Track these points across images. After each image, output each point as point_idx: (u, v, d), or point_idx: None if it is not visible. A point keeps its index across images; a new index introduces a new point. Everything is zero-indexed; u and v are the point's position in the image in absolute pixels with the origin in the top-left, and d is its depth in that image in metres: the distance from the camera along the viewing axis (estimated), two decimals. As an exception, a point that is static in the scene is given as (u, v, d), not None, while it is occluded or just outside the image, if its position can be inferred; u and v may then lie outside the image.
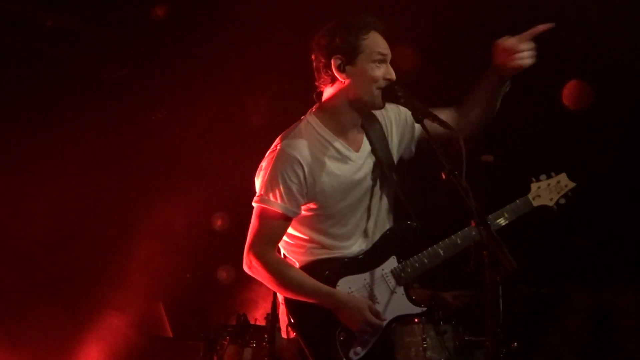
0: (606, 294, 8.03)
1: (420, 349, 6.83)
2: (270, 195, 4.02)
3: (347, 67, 4.07)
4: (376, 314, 4.03)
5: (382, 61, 4.09)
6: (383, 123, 4.34)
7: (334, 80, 4.13)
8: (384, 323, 4.08)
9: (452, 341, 6.95)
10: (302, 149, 4.07)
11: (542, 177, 4.58)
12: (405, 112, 4.31)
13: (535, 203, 4.49)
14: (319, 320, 4.01)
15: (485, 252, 3.39)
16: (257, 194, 4.10)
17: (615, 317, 8.01)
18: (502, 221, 4.34)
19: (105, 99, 7.90)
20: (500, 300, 4.03)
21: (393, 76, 4.10)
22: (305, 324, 4.03)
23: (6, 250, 7.32)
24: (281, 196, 4.01)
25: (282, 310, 4.19)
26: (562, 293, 8.01)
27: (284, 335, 4.17)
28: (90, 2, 7.14)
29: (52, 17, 7.23)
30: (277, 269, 4.06)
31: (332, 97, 4.17)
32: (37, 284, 7.49)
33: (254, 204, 4.10)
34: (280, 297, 4.21)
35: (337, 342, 3.96)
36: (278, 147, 4.09)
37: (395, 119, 4.36)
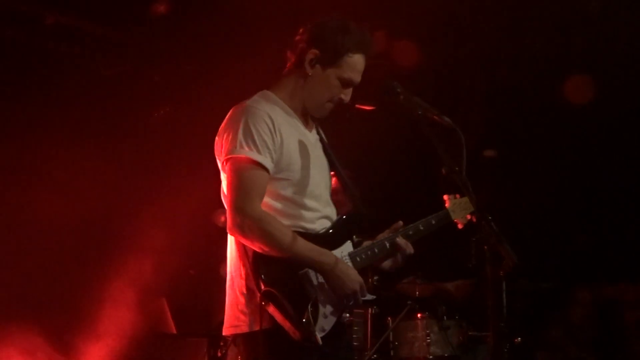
0: (609, 288, 8.04)
1: (424, 344, 6.87)
2: (245, 146, 3.83)
3: (317, 66, 4.03)
4: (362, 289, 3.91)
5: (348, 85, 4.08)
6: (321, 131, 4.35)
7: (299, 65, 4.08)
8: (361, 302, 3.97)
9: (456, 336, 6.99)
10: (268, 108, 3.97)
11: (452, 196, 4.52)
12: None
13: (452, 217, 4.43)
14: (293, 286, 3.78)
15: (485, 247, 3.39)
16: (227, 150, 3.89)
17: (619, 311, 8.02)
18: (415, 233, 4.26)
19: (107, 95, 7.88)
20: (504, 295, 4.03)
21: (346, 100, 4.10)
22: (280, 288, 3.71)
23: (9, 245, 7.29)
24: (256, 146, 3.83)
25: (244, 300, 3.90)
26: (565, 288, 8.02)
27: (246, 328, 3.84)
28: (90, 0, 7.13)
29: (53, 14, 7.20)
30: (272, 222, 3.82)
31: (291, 80, 4.13)
32: (39, 281, 7.46)
33: (227, 158, 3.89)
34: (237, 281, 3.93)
35: (308, 312, 3.76)
36: (244, 105, 3.98)
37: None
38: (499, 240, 3.33)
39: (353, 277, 3.88)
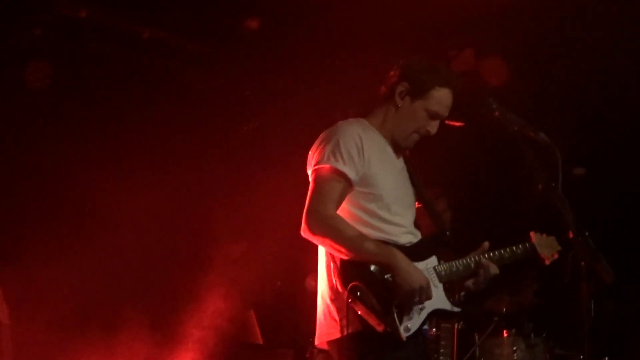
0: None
1: (511, 361, 6.83)
2: (332, 157, 4.06)
3: (406, 98, 4.29)
4: (428, 291, 4.00)
5: (435, 117, 4.32)
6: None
7: (390, 97, 4.33)
8: (429, 305, 4.08)
9: (542, 354, 6.93)
10: (359, 129, 4.21)
11: (539, 233, 4.69)
12: None
13: (539, 251, 4.61)
14: (377, 287, 3.92)
15: (583, 263, 3.40)
16: (315, 162, 4.13)
17: None
18: (499, 259, 4.44)
19: (198, 109, 8.03)
20: (592, 315, 4.02)
21: (433, 132, 4.34)
22: (364, 289, 3.88)
23: (94, 258, 7.42)
24: (342, 159, 4.05)
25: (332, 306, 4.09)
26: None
27: (338, 333, 4.02)
28: (185, 15, 7.26)
29: (149, 29, 7.37)
30: (342, 222, 4.01)
31: (383, 110, 4.38)
32: (125, 294, 7.58)
33: (313, 169, 4.12)
34: (328, 291, 4.12)
35: (393, 312, 3.90)
36: (338, 124, 4.25)
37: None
38: (596, 257, 3.34)
39: (419, 274, 4.00)
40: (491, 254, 4.37)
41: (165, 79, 7.81)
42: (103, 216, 7.46)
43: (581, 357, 3.73)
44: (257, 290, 8.04)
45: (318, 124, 8.00)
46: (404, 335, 3.89)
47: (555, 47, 7.47)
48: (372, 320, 3.85)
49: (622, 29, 7.18)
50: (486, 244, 4.38)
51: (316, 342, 4.22)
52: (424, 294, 3.98)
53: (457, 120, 7.60)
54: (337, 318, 4.03)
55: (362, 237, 4.00)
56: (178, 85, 7.89)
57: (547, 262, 4.58)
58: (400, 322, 3.92)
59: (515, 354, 6.85)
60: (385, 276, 3.96)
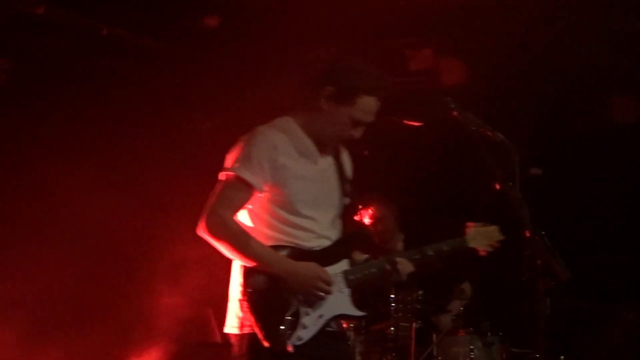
0: (652, 309, 7.99)
1: (467, 359, 6.86)
2: (239, 165, 4.09)
3: (331, 102, 4.19)
4: (327, 280, 4.08)
5: (359, 125, 4.25)
6: (345, 155, 4.54)
7: (314, 99, 4.24)
8: (328, 312, 4.14)
9: (499, 353, 6.98)
10: (277, 134, 4.18)
11: (478, 224, 4.62)
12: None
13: (470, 244, 4.55)
14: (272, 296, 4.01)
15: (539, 261, 3.43)
16: (225, 165, 4.17)
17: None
18: (430, 252, 4.46)
19: (152, 107, 7.98)
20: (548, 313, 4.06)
21: (357, 137, 4.27)
22: (259, 297, 4.00)
23: (54, 252, 7.37)
24: (250, 168, 4.08)
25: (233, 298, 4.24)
26: (608, 307, 7.98)
27: (237, 330, 4.15)
28: (141, 12, 7.22)
29: (107, 26, 7.33)
30: (240, 231, 4.10)
31: (307, 109, 4.30)
32: (78, 298, 7.54)
33: (221, 173, 4.17)
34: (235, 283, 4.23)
35: (285, 321, 3.98)
36: (255, 130, 4.21)
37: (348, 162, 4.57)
38: (552, 256, 3.37)
39: (310, 273, 4.06)
40: (412, 254, 4.39)
41: (121, 76, 7.76)
42: (55, 217, 7.41)
43: (537, 355, 3.78)
44: (216, 289, 8.00)
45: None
46: (291, 346, 3.96)
47: (512, 47, 7.52)
48: (259, 334, 3.94)
49: (579, 29, 7.25)
50: (400, 244, 4.44)
51: (224, 330, 4.33)
52: (319, 293, 4.06)
53: (415, 120, 7.68)
54: (239, 316, 4.12)
55: (260, 246, 4.07)
56: (132, 82, 7.82)
57: (483, 253, 4.53)
58: (293, 332, 3.99)
59: (472, 353, 6.88)
60: (278, 285, 4.04)
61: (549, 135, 8.22)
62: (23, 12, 6.94)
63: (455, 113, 4.03)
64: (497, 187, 3.63)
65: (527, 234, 3.50)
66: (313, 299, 4.06)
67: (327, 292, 4.07)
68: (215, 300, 8.16)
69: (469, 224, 4.56)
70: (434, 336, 7.06)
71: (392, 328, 6.75)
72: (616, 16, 7.04)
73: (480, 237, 4.53)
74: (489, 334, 7.01)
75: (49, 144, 7.40)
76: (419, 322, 6.89)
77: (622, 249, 8.05)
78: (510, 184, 3.60)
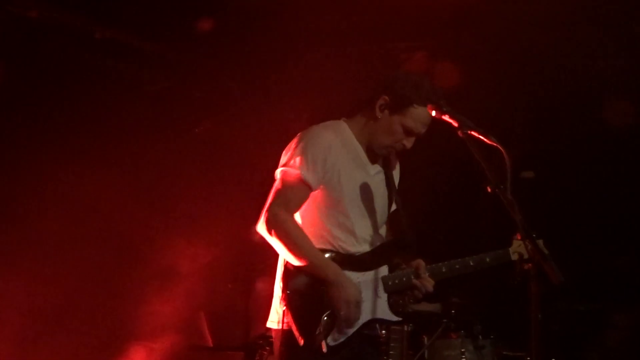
0: (646, 311, 7.99)
1: (459, 362, 6.86)
2: (299, 163, 4.29)
3: (386, 111, 4.42)
4: (356, 309, 4.21)
5: (410, 134, 4.44)
6: (397, 167, 4.77)
7: (370, 107, 4.47)
8: (359, 318, 4.26)
9: (491, 356, 6.97)
10: (331, 136, 4.42)
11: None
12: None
13: (514, 257, 4.62)
14: (311, 298, 4.19)
15: (530, 265, 3.43)
16: (283, 163, 4.37)
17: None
18: (472, 262, 4.58)
19: (148, 111, 7.97)
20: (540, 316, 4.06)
21: (409, 147, 4.48)
22: (298, 298, 4.19)
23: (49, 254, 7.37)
24: (306, 165, 4.29)
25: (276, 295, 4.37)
26: (602, 310, 7.98)
27: (276, 325, 4.30)
28: (137, 16, 7.21)
29: (100, 29, 7.31)
30: (296, 228, 4.27)
31: (363, 117, 4.52)
32: (71, 298, 7.50)
33: (280, 169, 4.36)
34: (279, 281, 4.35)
35: (321, 322, 4.14)
36: (311, 129, 4.47)
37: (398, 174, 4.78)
38: (544, 259, 3.37)
39: (350, 291, 4.20)
40: (454, 262, 4.52)
41: (117, 79, 7.75)
42: (52, 217, 7.38)
43: (528, 358, 3.77)
44: (208, 293, 8.01)
45: (268, 127, 8.08)
46: (325, 346, 4.11)
47: (505, 51, 7.53)
48: (296, 332, 4.12)
49: (574, 32, 7.26)
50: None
51: (267, 325, 4.47)
52: (352, 310, 4.19)
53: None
54: (279, 311, 4.26)
55: (311, 245, 4.25)
56: (129, 85, 7.83)
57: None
58: (329, 332, 4.17)
59: (463, 356, 6.88)
60: (318, 289, 4.20)
61: (543, 139, 8.22)
62: (16, 14, 6.93)
63: (447, 115, 4.03)
64: (489, 190, 3.62)
65: (519, 237, 3.49)
66: (341, 314, 4.18)
67: (355, 319, 4.22)
68: (207, 305, 8.25)
69: (518, 235, 4.56)
70: (425, 339, 7.06)
71: (384, 331, 6.74)
72: (609, 19, 7.05)
73: (523, 250, 4.55)
74: (480, 337, 7.01)
75: (44, 148, 7.37)
76: (411, 325, 6.90)
77: (616, 252, 8.05)
78: (502, 187, 3.59)
